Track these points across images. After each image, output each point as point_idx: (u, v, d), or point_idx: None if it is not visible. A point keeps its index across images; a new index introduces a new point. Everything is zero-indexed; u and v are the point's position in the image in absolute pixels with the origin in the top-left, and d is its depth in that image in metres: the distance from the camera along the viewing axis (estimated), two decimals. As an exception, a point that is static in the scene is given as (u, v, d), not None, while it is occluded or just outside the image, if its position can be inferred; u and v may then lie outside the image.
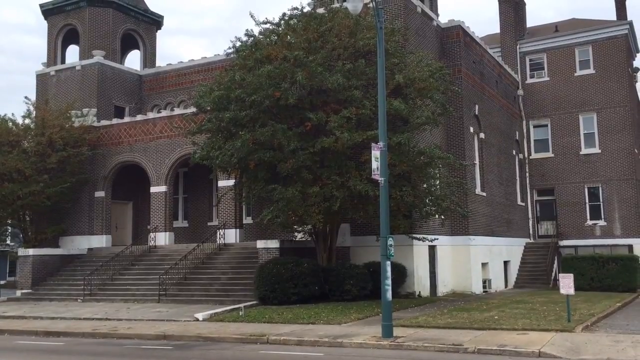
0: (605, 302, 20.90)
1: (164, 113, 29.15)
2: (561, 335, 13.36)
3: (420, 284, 23.61)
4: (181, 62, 33.46)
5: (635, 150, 35.73)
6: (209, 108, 20.76)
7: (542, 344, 12.24)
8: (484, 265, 28.22)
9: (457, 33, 28.30)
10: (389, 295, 13.81)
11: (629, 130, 35.06)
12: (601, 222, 34.84)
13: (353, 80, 19.40)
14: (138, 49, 35.29)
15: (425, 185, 20.91)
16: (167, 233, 27.42)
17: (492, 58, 33.03)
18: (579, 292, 22.00)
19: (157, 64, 35.20)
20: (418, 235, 21.95)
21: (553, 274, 31.73)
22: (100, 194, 29.00)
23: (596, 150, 35.50)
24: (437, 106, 21.27)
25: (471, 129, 28.57)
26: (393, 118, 19.11)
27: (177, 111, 28.26)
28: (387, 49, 19.10)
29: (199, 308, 19.58)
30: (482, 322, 15.56)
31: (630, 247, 33.33)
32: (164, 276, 22.65)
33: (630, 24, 37.04)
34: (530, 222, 36.62)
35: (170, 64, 33.79)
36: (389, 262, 13.99)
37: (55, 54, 33.37)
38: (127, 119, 29.77)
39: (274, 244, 22.04)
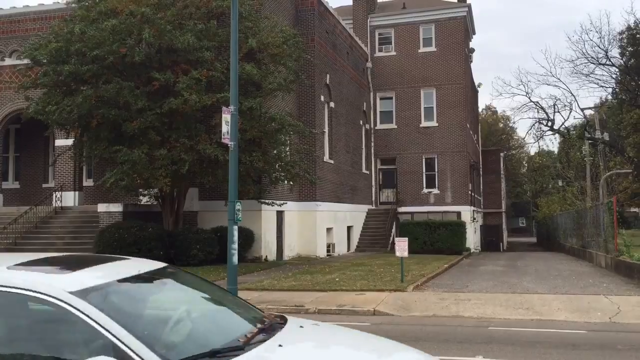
0: (434, 264, 22.81)
1: (-8, 62, 26.31)
2: (394, 295, 14.36)
3: (267, 248, 24.02)
4: (14, 7, 30.26)
5: (467, 125, 38.95)
6: (44, 61, 19.09)
7: (377, 303, 13.08)
8: (328, 230, 29.36)
9: (312, 2, 28.61)
10: (235, 259, 13.83)
11: (463, 106, 38.05)
12: (435, 191, 37.71)
13: (204, 42, 18.91)
14: (-39, -13, 31.33)
15: (275, 152, 21.13)
16: (-5, 195, 25.09)
17: (345, 30, 33.89)
18: (413, 254, 23.78)
19: (-16, 7, 31.55)
20: (267, 201, 22.22)
21: (391, 238, 33.81)
22: None
23: (434, 123, 38.14)
24: (290, 73, 21.44)
25: (322, 98, 29.26)
26: (245, 82, 18.97)
27: (8, 61, 25.68)
28: (241, 12, 18.77)
29: (32, 275, 18.25)
30: (324, 284, 16.26)
31: (458, 213, 36.55)
32: (-9, 241, 20.77)
33: (469, 6, 39.93)
34: (373, 190, 38.65)
35: (0, 9, 30.46)
36: (236, 227, 13.97)
37: None
38: (-54, 67, 26.44)
39: (116, 207, 21.10)
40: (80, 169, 24.56)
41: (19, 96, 23.02)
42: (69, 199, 24.11)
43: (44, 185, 27.39)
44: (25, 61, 21.20)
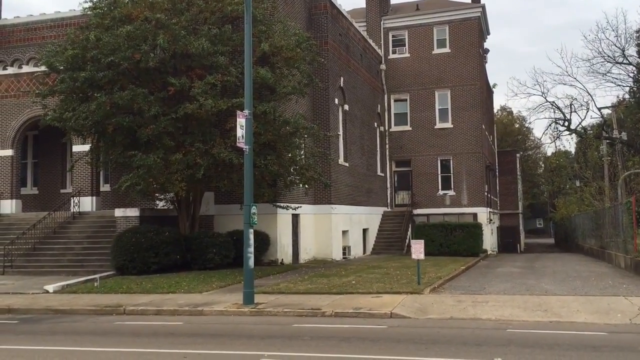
0: (451, 266, 22.67)
1: (10, 70, 26.64)
2: (411, 297, 14.28)
3: (283, 251, 24.03)
4: (31, 15, 30.62)
5: (483, 126, 38.70)
6: (61, 68, 19.32)
7: (394, 305, 13.01)
8: (344, 233, 29.32)
9: (325, 5, 28.65)
10: (251, 262, 13.91)
11: (478, 107, 37.82)
12: (451, 192, 37.51)
13: (219, 46, 19.01)
14: (-21, -3, 31.76)
15: (290, 155, 21.14)
16: (14, 200, 25.36)
17: (358, 32, 33.87)
18: (429, 257, 23.67)
19: (2, 16, 31.98)
20: (282, 204, 22.24)
21: (407, 240, 33.67)
22: None
23: (449, 125, 37.96)
24: (304, 76, 21.47)
25: (336, 101, 29.26)
26: (259, 87, 19.04)
27: (26, 69, 26.00)
28: (255, 15, 18.88)
29: (50, 280, 18.45)
30: (340, 286, 16.22)
31: (475, 215, 36.31)
32: (10, 246, 21.02)
33: (483, 7, 39.69)
34: (388, 192, 38.53)
35: (18, 17, 30.83)
36: (251, 230, 14.06)
37: None
38: (-34, 75, 26.82)
39: (133, 212, 21.24)
40: (97, 174, 24.78)
41: (36, 103, 23.32)
42: (87, 204, 24.33)
43: (62, 191, 27.68)
44: (43, 68, 21.47)
